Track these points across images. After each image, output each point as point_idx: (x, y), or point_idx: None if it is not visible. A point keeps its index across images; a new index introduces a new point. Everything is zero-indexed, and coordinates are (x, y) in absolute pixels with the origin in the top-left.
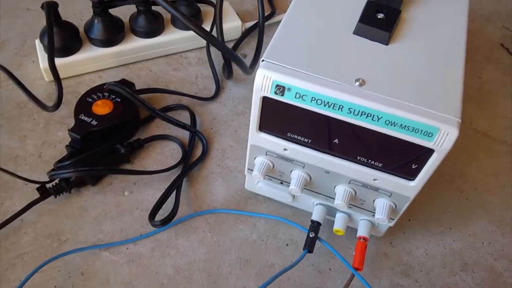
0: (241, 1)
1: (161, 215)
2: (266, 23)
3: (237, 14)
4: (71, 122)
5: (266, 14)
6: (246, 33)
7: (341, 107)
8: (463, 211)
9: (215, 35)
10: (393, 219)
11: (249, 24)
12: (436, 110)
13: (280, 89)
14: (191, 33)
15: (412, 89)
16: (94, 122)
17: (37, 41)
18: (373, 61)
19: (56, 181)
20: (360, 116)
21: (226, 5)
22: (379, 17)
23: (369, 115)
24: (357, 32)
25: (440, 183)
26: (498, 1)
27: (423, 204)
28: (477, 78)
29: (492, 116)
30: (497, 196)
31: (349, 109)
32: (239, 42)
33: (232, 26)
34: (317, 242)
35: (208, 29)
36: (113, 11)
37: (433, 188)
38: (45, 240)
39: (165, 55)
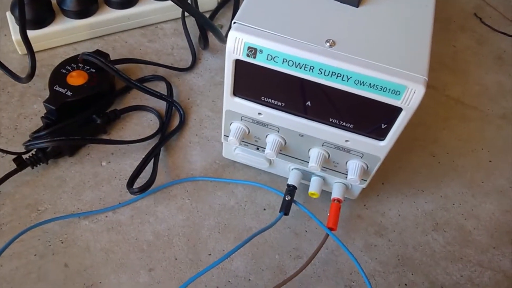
0: None
1: (139, 183)
2: None
3: None
4: (46, 94)
5: None
6: (222, 4)
7: (312, 68)
8: (435, 174)
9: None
10: (365, 180)
11: None
12: (404, 69)
13: (252, 51)
14: (166, 3)
15: (381, 49)
16: (69, 93)
17: (8, 13)
18: (343, 23)
19: (33, 152)
20: (331, 76)
21: None
22: None
23: (339, 75)
24: None
25: (413, 147)
26: None
27: (397, 168)
28: (451, 47)
29: (465, 83)
30: (468, 159)
31: (319, 69)
32: (215, 12)
33: None
34: (294, 205)
35: None
36: None
37: (407, 153)
38: (23, 210)
39: (141, 27)
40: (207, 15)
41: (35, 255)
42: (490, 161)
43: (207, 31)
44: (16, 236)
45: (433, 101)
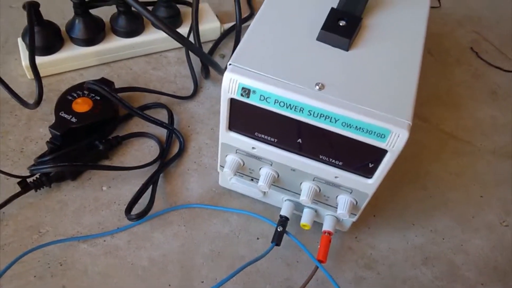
0: (220, 2)
1: (137, 209)
2: (243, 25)
3: (216, 15)
4: (52, 119)
5: (244, 16)
6: (225, 34)
7: (301, 109)
8: (426, 208)
9: (193, 39)
10: (355, 215)
11: (228, 25)
12: (389, 113)
13: (246, 91)
14: None
15: (368, 93)
16: (74, 119)
17: (20, 40)
18: (333, 66)
19: (37, 175)
20: (319, 118)
21: (205, 6)
22: (341, 24)
23: (327, 117)
24: (320, 38)
25: (405, 181)
26: (469, 6)
27: (388, 201)
28: (446, 81)
29: (459, 117)
30: (459, 194)
31: (309, 111)
32: (218, 42)
33: (211, 27)
34: (286, 236)
35: (187, 30)
36: (94, 11)
37: (398, 186)
38: (25, 232)
39: (145, 55)
40: (210, 45)
41: (35, 276)
42: (481, 196)
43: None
44: (18, 257)
45: (426, 135)
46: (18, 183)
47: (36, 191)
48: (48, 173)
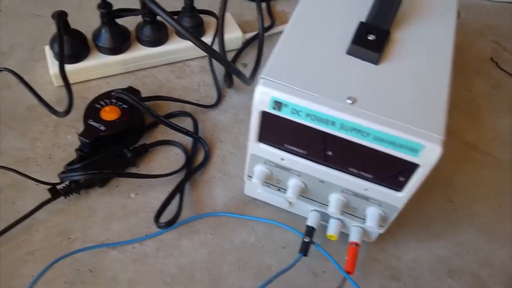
0: (241, 12)
1: (165, 216)
2: (265, 34)
3: (238, 25)
4: (80, 126)
5: (265, 26)
6: (246, 44)
7: (333, 123)
8: (451, 219)
9: (217, 48)
10: (383, 227)
11: (250, 34)
12: (421, 128)
13: (278, 105)
14: None
15: (399, 107)
16: (102, 127)
17: (47, 47)
18: (364, 80)
19: (66, 182)
20: (351, 131)
21: (227, 16)
22: (370, 38)
23: (359, 131)
24: (349, 52)
25: (430, 191)
26: (489, 16)
27: (414, 212)
28: (467, 92)
29: (480, 128)
30: (483, 205)
31: (341, 125)
32: (240, 52)
33: (233, 36)
34: (312, 246)
35: (210, 39)
36: (119, 21)
37: (424, 197)
38: (55, 238)
39: (169, 63)
40: (232, 54)
41: (65, 282)
42: (505, 207)
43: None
44: (50, 264)
45: (449, 146)
46: (49, 190)
47: (65, 197)
48: (78, 180)
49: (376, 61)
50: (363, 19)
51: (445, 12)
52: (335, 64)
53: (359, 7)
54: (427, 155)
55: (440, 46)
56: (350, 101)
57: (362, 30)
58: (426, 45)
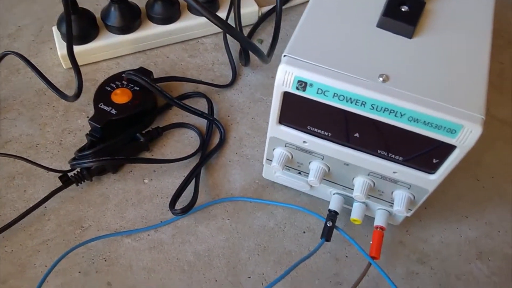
0: None
1: (180, 202)
2: (283, 7)
3: None
4: (90, 110)
5: None
6: (262, 18)
7: (363, 103)
8: (479, 199)
9: (233, 23)
10: (411, 210)
11: (266, 8)
12: (460, 107)
13: (302, 84)
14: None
15: (436, 85)
16: (113, 111)
17: (54, 28)
18: (397, 56)
19: (78, 169)
20: (383, 112)
21: None
22: (403, 9)
23: (392, 111)
24: (380, 25)
25: (456, 170)
26: None
27: (440, 192)
28: (498, 64)
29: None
30: None
31: (372, 105)
32: (255, 27)
33: (249, 11)
34: (335, 230)
35: (224, 15)
36: None
37: (450, 176)
38: (68, 227)
39: (182, 41)
40: (248, 30)
41: (79, 272)
42: None
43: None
44: (64, 254)
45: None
46: (60, 177)
47: (77, 185)
48: (89, 166)
49: (410, 35)
50: None
51: None
52: (365, 38)
53: None
54: (466, 136)
55: (479, 18)
56: (382, 79)
57: (394, 0)
58: (464, 17)
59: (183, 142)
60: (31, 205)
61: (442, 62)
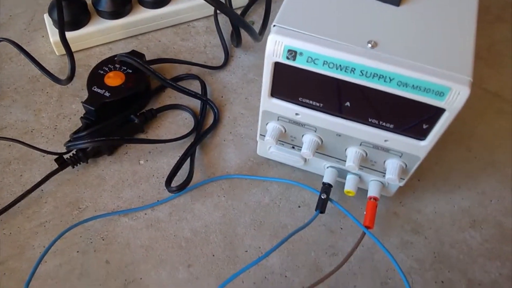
0: None
1: (176, 181)
2: None
3: None
4: (84, 95)
5: None
6: (253, 0)
7: (353, 69)
8: (472, 169)
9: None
10: (404, 179)
11: None
12: (448, 69)
13: (292, 53)
14: (198, 1)
15: (424, 49)
16: (107, 94)
17: (46, 16)
18: (385, 23)
19: (73, 152)
20: (372, 78)
21: None
22: None
23: (381, 76)
24: None
25: (449, 142)
26: None
27: (433, 164)
28: (487, 38)
29: (502, 76)
30: (505, 154)
31: (361, 71)
32: (246, 9)
33: None
34: (329, 203)
35: None
36: None
37: (442, 148)
38: (65, 208)
39: (173, 25)
40: (238, 12)
41: (78, 252)
42: None
43: (240, 29)
44: (60, 234)
45: (470, 94)
46: (55, 160)
47: (73, 167)
48: (85, 148)
49: (397, 2)
50: None
51: None
52: (353, 7)
53: None
54: (454, 98)
55: None
56: (371, 45)
57: None
58: None
59: (177, 123)
60: (27, 189)
61: (429, 28)
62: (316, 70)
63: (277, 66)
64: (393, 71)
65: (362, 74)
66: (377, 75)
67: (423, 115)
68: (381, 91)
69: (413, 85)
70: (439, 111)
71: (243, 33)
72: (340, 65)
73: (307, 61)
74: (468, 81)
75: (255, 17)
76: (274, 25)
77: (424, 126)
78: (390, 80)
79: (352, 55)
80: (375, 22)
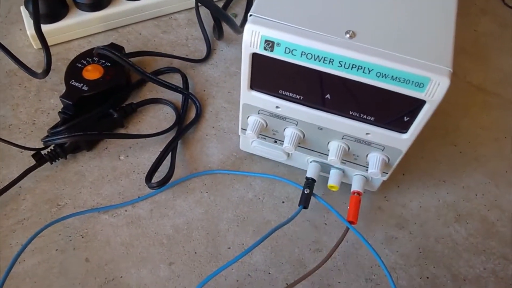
0: None
1: (157, 177)
2: None
3: None
4: (62, 89)
5: None
6: None
7: (331, 60)
8: (457, 164)
9: None
10: (386, 173)
11: None
12: (427, 60)
13: (269, 44)
14: None
15: (403, 39)
16: (85, 88)
17: (22, 8)
18: (363, 13)
19: (51, 147)
20: (351, 69)
21: None
22: None
23: (360, 67)
24: None
25: (433, 137)
26: None
27: (417, 158)
28: (472, 31)
29: (486, 69)
30: (490, 148)
31: (339, 62)
32: (229, 1)
33: None
34: (313, 198)
35: None
36: None
37: (427, 142)
38: (44, 205)
39: (154, 18)
40: (221, 4)
41: (57, 250)
42: (510, 149)
43: (222, 22)
44: (38, 231)
45: (453, 88)
46: (33, 155)
47: (51, 163)
48: (63, 144)
49: None
50: None
51: None
52: None
53: None
54: (434, 89)
55: None
56: (349, 35)
57: None
58: None
59: (158, 118)
60: (5, 185)
61: (408, 17)
62: (294, 61)
63: (256, 58)
64: (372, 62)
65: (341, 65)
66: (355, 66)
67: (404, 107)
68: (361, 82)
69: (392, 76)
70: (420, 103)
71: (225, 25)
72: (318, 56)
73: (285, 52)
74: (448, 72)
75: (238, 9)
76: (250, 15)
77: (405, 119)
78: (369, 71)
79: (330, 46)
80: (353, 12)
